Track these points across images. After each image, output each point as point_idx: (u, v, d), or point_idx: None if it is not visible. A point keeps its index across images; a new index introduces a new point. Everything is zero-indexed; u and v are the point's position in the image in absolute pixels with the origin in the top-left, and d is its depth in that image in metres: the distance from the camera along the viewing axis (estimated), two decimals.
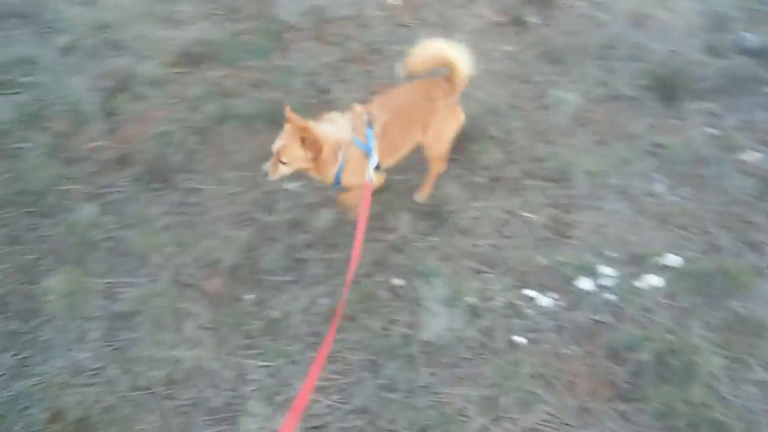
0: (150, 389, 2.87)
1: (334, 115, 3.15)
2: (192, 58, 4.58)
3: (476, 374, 2.93)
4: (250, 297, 3.25)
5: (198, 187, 3.78)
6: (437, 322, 3.08)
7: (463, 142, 3.75)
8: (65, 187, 3.71)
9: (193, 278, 3.31)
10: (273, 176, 3.02)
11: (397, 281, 3.31)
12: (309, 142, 2.90)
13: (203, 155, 3.94)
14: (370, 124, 3.10)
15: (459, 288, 3.23)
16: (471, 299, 3.20)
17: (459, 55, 3.15)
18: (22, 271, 3.31)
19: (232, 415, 2.79)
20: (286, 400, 2.81)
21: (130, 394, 2.85)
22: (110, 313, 3.14)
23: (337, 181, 3.16)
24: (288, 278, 3.33)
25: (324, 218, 3.59)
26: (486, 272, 3.36)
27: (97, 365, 2.95)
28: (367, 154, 3.08)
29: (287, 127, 2.93)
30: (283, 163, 2.97)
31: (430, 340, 3.04)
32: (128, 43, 4.66)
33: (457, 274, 3.34)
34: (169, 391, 2.87)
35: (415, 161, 3.63)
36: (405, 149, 3.37)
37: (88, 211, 3.57)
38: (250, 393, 2.86)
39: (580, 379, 2.93)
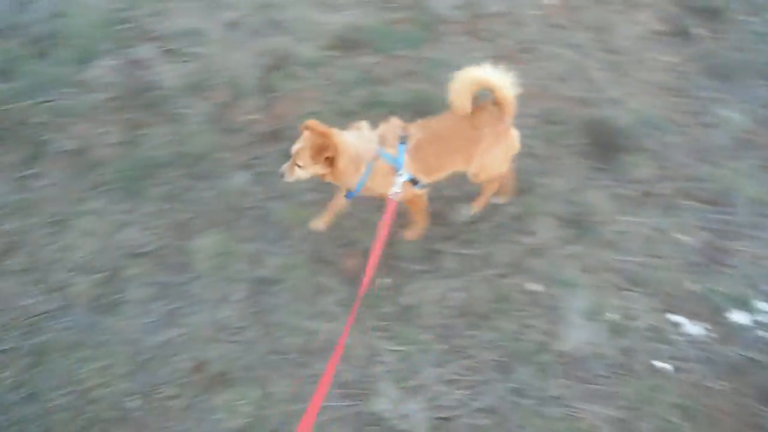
0: (286, 355, 3.00)
1: (363, 125, 3.12)
2: (346, 43, 4.72)
3: (613, 394, 2.83)
4: (385, 281, 3.31)
5: None
6: (575, 334, 3.01)
7: (612, 150, 3.63)
8: (221, 155, 3.94)
9: (331, 255, 3.41)
10: (289, 178, 3.04)
11: (534, 286, 3.26)
12: (326, 149, 2.89)
13: None
14: (403, 140, 3.05)
15: (601, 302, 3.14)
16: (613, 316, 3.09)
17: (501, 79, 2.93)
18: (178, 228, 3.56)
19: (362, 392, 2.86)
20: (416, 386, 2.85)
21: (268, 356, 2.99)
22: (254, 277, 3.32)
23: (356, 190, 3.12)
24: (422, 268, 3.37)
25: (463, 213, 3.59)
26: (630, 290, 3.23)
27: (240, 324, 3.13)
28: (395, 168, 3.03)
29: (306, 133, 2.95)
30: (299, 167, 2.99)
31: (567, 351, 2.98)
32: (288, 24, 4.87)
33: (599, 287, 3.24)
34: (304, 359, 3.00)
35: (557, 166, 3.55)
36: (442, 173, 3.26)
37: (240, 179, 3.78)
38: (380, 374, 2.92)
39: (726, 417, 2.77)
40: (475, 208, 3.58)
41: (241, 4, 5.00)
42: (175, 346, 3.05)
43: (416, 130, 3.09)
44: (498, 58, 4.57)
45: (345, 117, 4.13)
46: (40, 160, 3.89)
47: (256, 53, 4.61)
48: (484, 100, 3.08)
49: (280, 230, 3.54)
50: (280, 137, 4.05)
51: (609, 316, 3.09)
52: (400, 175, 3.02)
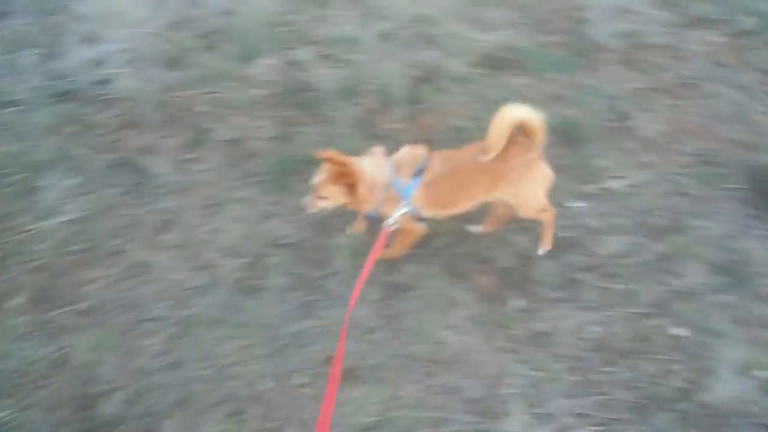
0: (414, 361, 3.05)
1: (377, 150, 3.18)
2: (496, 62, 4.76)
3: None
4: (518, 303, 3.29)
5: None
6: (721, 387, 2.86)
7: None
8: None
9: (466, 270, 3.44)
10: (311, 210, 3.13)
11: (678, 331, 3.13)
12: (346, 177, 2.98)
13: None
14: (420, 171, 3.07)
15: (753, 358, 2.95)
16: (765, 374, 2.89)
17: (537, 119, 2.93)
18: (319, 225, 3.71)
19: (490, 411, 2.86)
20: (546, 414, 2.81)
21: (396, 360, 3.06)
22: (389, 281, 3.40)
23: (373, 216, 3.20)
24: (560, 295, 3.32)
25: (608, 245, 3.50)
26: None
27: (372, 325, 3.22)
28: (400, 198, 3.06)
29: (326, 165, 3.01)
30: (323, 198, 3.07)
31: (711, 403, 2.82)
32: (440, 38, 4.98)
33: (752, 342, 3.04)
34: (431, 369, 3.04)
35: (712, 209, 3.38)
36: (459, 207, 3.23)
37: None
38: (509, 396, 2.91)
39: None
40: (544, 246, 3.48)
41: (396, 16, 5.17)
42: (309, 336, 3.19)
43: (438, 162, 3.11)
44: (654, 90, 4.49)
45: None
46: (201, 147, 4.21)
47: (407, 65, 4.74)
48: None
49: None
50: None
51: (761, 373, 2.90)
52: (404, 206, 3.07)
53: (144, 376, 3.04)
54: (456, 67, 4.72)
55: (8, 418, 2.87)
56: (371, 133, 4.26)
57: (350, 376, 3.00)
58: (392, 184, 3.09)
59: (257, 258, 3.57)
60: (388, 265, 3.46)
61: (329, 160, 2.98)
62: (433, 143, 4.00)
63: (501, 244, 3.55)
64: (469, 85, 4.60)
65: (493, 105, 4.34)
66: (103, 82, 4.66)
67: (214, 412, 2.89)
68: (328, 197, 3.09)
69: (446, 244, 3.56)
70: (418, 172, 3.09)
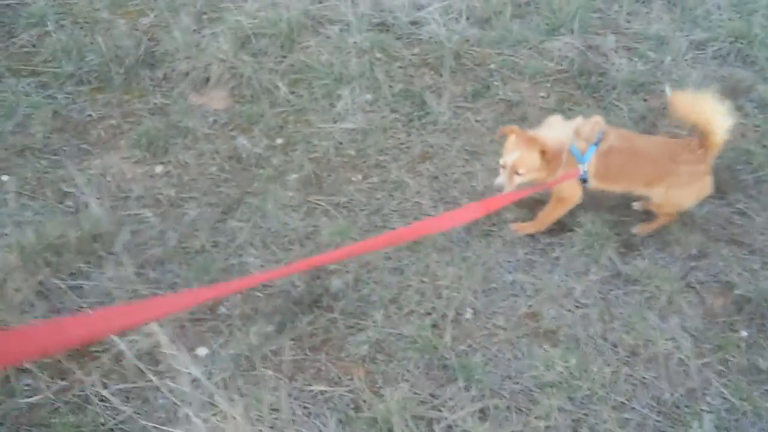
0: (614, 346, 3.17)
1: (556, 119, 3.37)
2: None
3: None
4: (744, 333, 3.22)
5: (745, 210, 3.82)
6: None
7: None
8: None
9: (701, 285, 3.41)
10: (509, 188, 3.24)
11: None
12: (544, 152, 3.12)
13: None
14: (597, 140, 3.22)
15: None
16: None
17: (719, 119, 2.97)
18: None
19: (677, 416, 2.89)
20: None
21: (597, 339, 3.20)
22: (615, 269, 3.52)
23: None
24: None
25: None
26: None
27: (583, 301, 3.39)
28: (579, 164, 3.23)
29: (512, 139, 3.20)
30: (519, 174, 3.20)
31: None
32: (759, 60, 4.77)
33: None
34: (630, 360, 3.13)
35: None
36: (618, 186, 3.42)
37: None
38: (702, 412, 2.89)
39: None
40: (644, 230, 3.63)
41: (713, 28, 5.06)
42: (520, 289, 3.46)
43: (615, 137, 3.26)
44: None
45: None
46: (480, 99, 4.65)
47: (713, 77, 4.64)
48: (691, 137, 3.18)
49: (663, 242, 3.65)
50: None
51: None
52: (582, 171, 3.25)
53: (369, 270, 3.57)
54: (766, 93, 4.50)
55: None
56: (649, 131, 4.31)
57: (547, 336, 3.22)
58: (571, 149, 3.26)
59: (499, 211, 3.89)
60: (623, 254, 3.56)
61: (516, 134, 3.21)
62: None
63: (750, 273, 3.43)
64: None
65: None
66: (416, 23, 5.33)
67: (417, 318, 3.32)
68: (525, 173, 3.23)
69: (690, 255, 3.54)
70: (597, 141, 3.25)
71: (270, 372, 3.03)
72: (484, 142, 4.32)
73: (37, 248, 3.23)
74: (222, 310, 3.28)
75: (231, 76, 4.72)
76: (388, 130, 4.45)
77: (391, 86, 4.74)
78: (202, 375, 2.82)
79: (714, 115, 3.02)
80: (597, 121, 3.34)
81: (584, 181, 3.37)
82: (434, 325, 3.29)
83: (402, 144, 4.34)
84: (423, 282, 3.50)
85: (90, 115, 4.33)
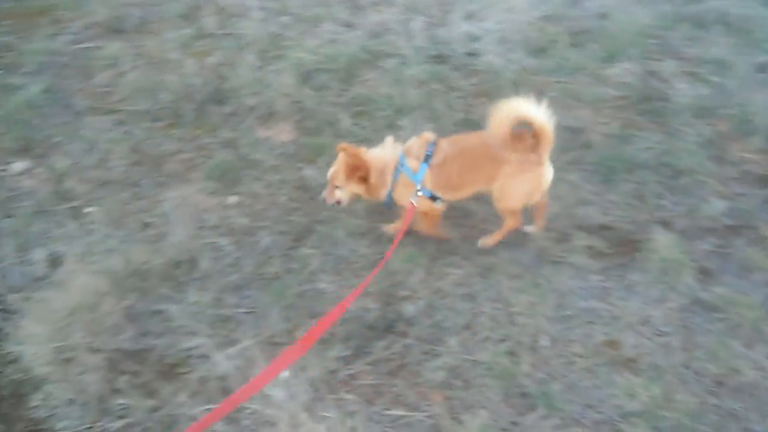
0: (699, 376, 3.03)
1: (389, 140, 3.48)
2: None
3: None
4: None
5: None
6: None
7: None
8: (702, 178, 4.05)
9: None
10: (330, 201, 3.52)
11: None
12: (358, 169, 3.31)
13: None
14: (428, 156, 3.30)
15: None
16: None
17: (540, 115, 3.04)
18: (635, 224, 3.82)
19: None
20: None
21: (680, 368, 3.06)
22: (695, 296, 3.39)
23: (389, 201, 3.46)
24: None
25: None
26: None
27: (664, 329, 3.25)
28: (413, 181, 3.31)
29: (340, 156, 3.36)
30: (338, 188, 3.42)
31: None
32: None
33: None
34: (716, 389, 2.98)
35: None
36: (465, 190, 3.46)
37: (717, 206, 3.86)
38: None
39: None
40: (488, 242, 3.67)
41: None
42: (596, 316, 3.34)
43: (446, 145, 3.34)
44: None
45: None
46: None
47: None
48: (523, 129, 3.14)
49: (737, 267, 3.51)
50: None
51: None
52: (418, 189, 3.32)
53: (441, 296, 3.50)
54: None
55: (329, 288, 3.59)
56: (716, 156, 4.21)
57: (627, 364, 3.10)
58: (403, 169, 3.35)
59: (564, 235, 3.81)
60: (701, 280, 3.44)
61: (344, 151, 3.33)
62: None
63: None
64: None
65: None
66: (473, 54, 5.35)
67: (492, 344, 3.23)
68: (343, 187, 3.44)
69: None
70: (427, 157, 3.33)
71: (349, 396, 2.98)
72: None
73: (124, 274, 3.28)
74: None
75: (295, 110, 4.79)
76: None
77: (449, 115, 4.74)
78: (286, 397, 2.79)
79: (529, 111, 3.06)
80: (426, 137, 3.42)
81: (433, 198, 3.43)
82: (510, 352, 3.19)
83: None
84: (496, 308, 3.41)
85: (165, 150, 4.42)
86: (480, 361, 3.14)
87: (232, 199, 4.05)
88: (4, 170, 4.24)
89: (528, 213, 3.72)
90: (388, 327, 3.30)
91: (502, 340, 3.25)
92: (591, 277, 3.55)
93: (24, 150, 4.40)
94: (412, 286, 3.54)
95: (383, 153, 3.46)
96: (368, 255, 3.70)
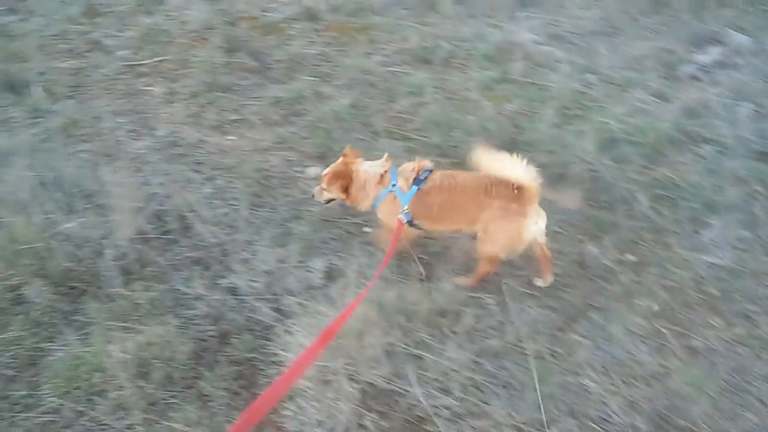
0: None
1: (384, 157, 3.52)
2: None
3: None
4: None
5: None
6: None
7: None
8: None
9: None
10: (318, 199, 3.61)
11: None
12: (341, 177, 3.43)
13: None
14: (420, 181, 3.33)
15: None
16: None
17: (523, 175, 3.07)
18: None
19: None
20: None
21: None
22: None
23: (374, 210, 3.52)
24: None
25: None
26: None
27: None
28: (400, 201, 3.34)
29: (340, 159, 3.50)
30: (325, 189, 3.50)
31: None
32: None
33: None
34: None
35: None
36: (444, 225, 3.47)
37: None
38: None
39: None
40: (465, 283, 3.53)
41: None
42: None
43: (440, 176, 3.35)
44: None
45: None
46: None
47: None
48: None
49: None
50: None
51: None
52: (403, 210, 3.33)
53: None
54: None
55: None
56: None
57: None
58: (394, 188, 3.36)
59: None
60: None
61: (344, 156, 3.47)
62: None
63: None
64: None
65: None
66: None
67: None
68: (327, 188, 3.50)
69: None
70: (419, 181, 3.33)
71: None
72: None
73: (393, 309, 3.20)
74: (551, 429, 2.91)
75: (589, 178, 4.45)
76: (762, 276, 3.76)
77: None
78: None
79: (510, 167, 3.09)
80: (423, 164, 3.43)
81: (410, 223, 3.39)
82: None
83: None
84: None
85: None
86: None
87: None
88: (301, 172, 4.49)
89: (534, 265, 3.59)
90: None
91: None
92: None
93: (320, 157, 4.62)
94: (694, 415, 2.98)
95: (371, 167, 3.51)
96: (646, 364, 3.22)
